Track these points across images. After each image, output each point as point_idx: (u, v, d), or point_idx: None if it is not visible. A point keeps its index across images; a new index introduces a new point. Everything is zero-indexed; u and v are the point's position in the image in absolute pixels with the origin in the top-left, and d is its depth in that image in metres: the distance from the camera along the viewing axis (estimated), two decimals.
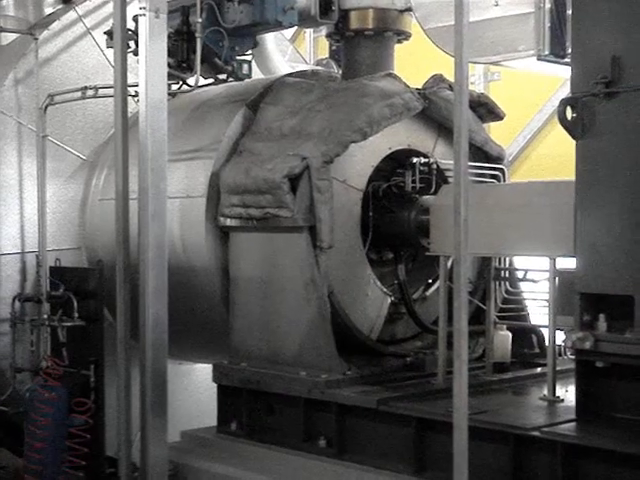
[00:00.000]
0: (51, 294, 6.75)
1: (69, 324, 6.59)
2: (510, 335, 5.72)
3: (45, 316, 6.73)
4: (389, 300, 6.00)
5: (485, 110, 6.35)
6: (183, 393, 7.34)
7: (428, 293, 6.25)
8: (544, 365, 5.45)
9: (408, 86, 6.01)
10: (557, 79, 8.75)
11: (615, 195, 4.44)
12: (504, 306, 5.80)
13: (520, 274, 5.92)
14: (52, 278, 6.83)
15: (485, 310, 5.67)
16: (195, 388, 7.46)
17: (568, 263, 4.88)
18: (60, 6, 7.61)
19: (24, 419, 6.51)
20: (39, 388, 6.48)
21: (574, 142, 4.61)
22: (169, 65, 5.54)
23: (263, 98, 6.23)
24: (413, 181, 5.95)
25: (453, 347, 4.34)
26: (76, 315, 6.58)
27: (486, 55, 5.89)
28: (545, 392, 5.12)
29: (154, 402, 5.21)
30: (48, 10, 7.58)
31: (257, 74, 6.98)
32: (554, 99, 9.86)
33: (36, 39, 7.07)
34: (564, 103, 4.57)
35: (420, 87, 6.14)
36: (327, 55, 8.54)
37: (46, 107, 6.94)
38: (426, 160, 6.02)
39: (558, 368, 5.16)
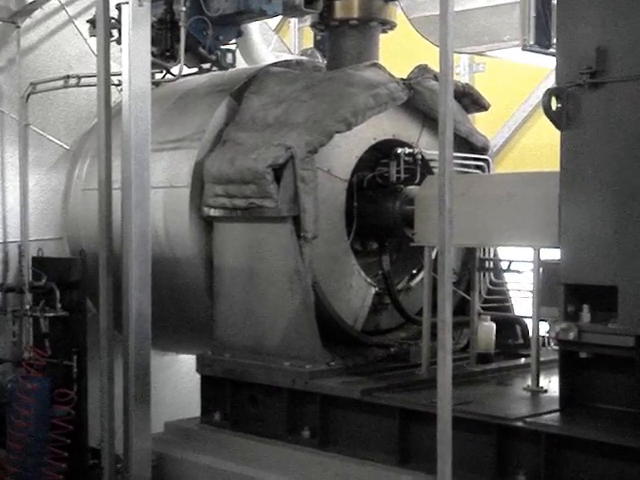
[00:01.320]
0: (33, 284, 6.70)
1: (51, 315, 6.55)
2: (494, 326, 5.72)
3: (27, 306, 6.69)
4: (373, 291, 6.00)
5: (470, 101, 6.35)
6: (167, 384, 7.32)
7: (412, 284, 6.25)
8: (528, 356, 5.46)
9: (393, 76, 5.99)
10: (542, 70, 8.75)
11: (599, 186, 4.44)
12: (488, 297, 5.81)
13: (504, 265, 5.92)
14: (34, 268, 6.79)
15: (469, 301, 5.67)
16: (179, 379, 7.44)
17: (552, 254, 4.88)
18: None
19: (6, 410, 6.47)
20: (21, 379, 6.44)
21: (559, 133, 4.60)
22: (153, 54, 5.51)
23: (247, 88, 6.20)
24: (398, 171, 5.94)
25: (437, 338, 4.34)
26: (59, 305, 6.54)
27: (471, 45, 5.88)
28: (529, 383, 5.13)
29: (137, 393, 5.19)
30: None
31: (241, 63, 6.95)
32: (539, 90, 9.86)
33: (18, 27, 7.01)
34: (549, 93, 4.57)
35: (405, 77, 6.12)
36: (312, 45, 8.51)
37: (28, 96, 6.89)
38: (411, 150, 6.01)
39: (542, 359, 5.16)
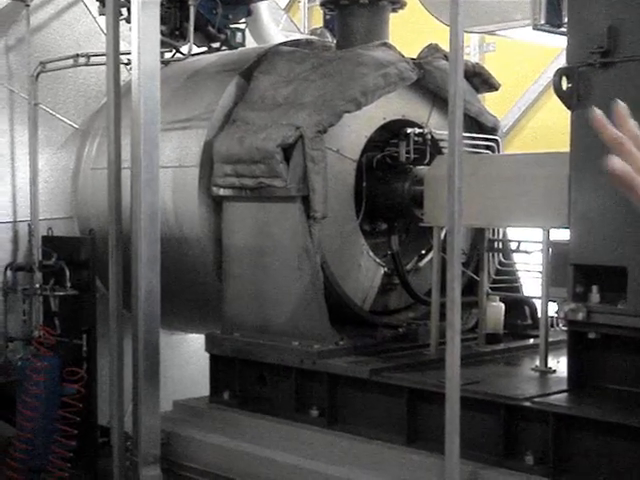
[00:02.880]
0: (43, 263, 6.73)
1: (61, 293, 6.58)
2: (503, 306, 5.72)
3: (37, 285, 6.72)
4: (382, 271, 6.00)
5: (480, 80, 6.32)
6: (175, 363, 7.34)
7: (421, 264, 6.24)
8: (536, 336, 5.46)
9: (403, 56, 5.96)
10: (553, 50, 8.71)
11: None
12: (497, 277, 5.80)
13: (513, 245, 5.91)
14: (44, 247, 6.81)
15: (478, 281, 5.67)
16: (188, 358, 7.47)
17: (561, 234, 4.87)
18: None
19: (16, 388, 6.51)
20: (31, 357, 6.48)
21: (569, 113, 4.58)
22: (162, 33, 5.50)
23: (257, 67, 6.18)
24: (407, 152, 5.92)
25: (446, 318, 4.34)
26: (68, 284, 6.57)
27: (482, 24, 5.85)
28: (537, 363, 5.13)
29: (146, 372, 5.21)
30: None
31: (251, 43, 6.93)
32: (549, 70, 9.82)
33: (27, 6, 7.00)
34: (560, 73, 4.54)
35: (415, 57, 6.10)
36: (321, 24, 8.48)
37: (38, 75, 6.89)
38: (420, 130, 5.99)
39: (550, 339, 5.16)
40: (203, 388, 5.99)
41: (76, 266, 6.60)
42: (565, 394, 4.59)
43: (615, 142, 1.78)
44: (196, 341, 7.18)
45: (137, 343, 5.22)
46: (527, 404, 4.50)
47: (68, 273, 6.56)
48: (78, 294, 6.56)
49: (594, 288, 4.49)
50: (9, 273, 6.85)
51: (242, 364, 5.70)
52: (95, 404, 6.57)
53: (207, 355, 5.94)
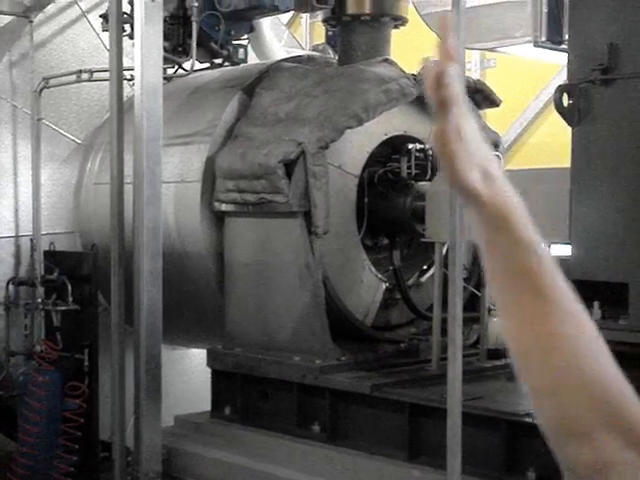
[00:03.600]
0: (45, 278, 6.74)
1: (63, 308, 6.58)
2: None
3: (39, 300, 6.72)
4: (384, 286, 6.00)
5: (481, 97, 6.33)
6: (177, 378, 7.34)
7: (423, 279, 6.25)
8: None
9: (404, 72, 5.99)
10: (554, 66, 8.73)
11: (611, 182, 4.44)
12: None
13: None
14: (46, 262, 6.82)
15: (480, 297, 5.67)
16: (189, 373, 7.46)
17: (563, 250, 4.88)
18: None
19: (18, 403, 6.51)
20: (33, 372, 6.48)
21: (570, 129, 4.60)
22: (165, 49, 5.53)
23: (259, 83, 6.21)
24: (409, 167, 5.94)
25: (447, 333, 4.34)
26: (70, 299, 6.57)
27: (483, 41, 5.87)
28: None
29: (148, 386, 5.21)
30: None
31: (253, 59, 6.96)
32: (550, 86, 9.84)
33: (31, 22, 7.03)
34: (560, 90, 4.56)
35: (416, 73, 6.12)
36: (323, 40, 8.51)
37: (41, 90, 6.91)
38: (422, 146, 6.01)
39: None
40: (205, 403, 5.99)
41: (78, 281, 6.61)
42: None
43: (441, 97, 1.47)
44: (198, 356, 7.18)
45: (139, 358, 5.22)
46: (529, 420, 4.49)
47: (70, 288, 6.57)
48: (80, 309, 6.56)
49: (595, 304, 4.49)
50: (11, 288, 6.86)
51: (244, 379, 5.70)
52: (96, 419, 6.57)
53: (209, 370, 5.94)
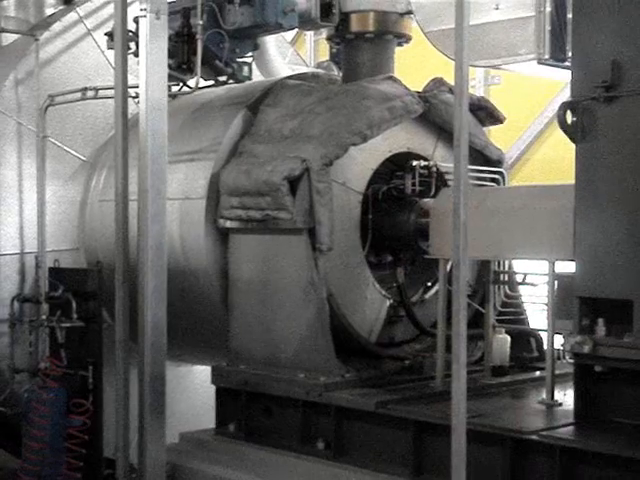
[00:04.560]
0: (50, 295, 6.75)
1: (68, 325, 6.59)
2: (509, 338, 5.71)
3: (44, 317, 6.73)
4: (388, 303, 6.00)
5: (485, 113, 6.36)
6: (181, 395, 7.33)
7: (427, 296, 6.25)
8: (543, 369, 5.45)
9: (408, 89, 6.01)
10: (557, 83, 8.75)
11: (614, 199, 4.44)
12: (503, 309, 5.80)
13: (519, 278, 5.92)
14: (51, 279, 6.83)
15: (484, 313, 5.67)
16: (194, 390, 7.46)
17: (567, 267, 4.88)
18: (61, 7, 7.61)
19: (22, 420, 6.50)
20: (37, 389, 6.48)
21: (574, 146, 4.61)
22: (169, 67, 5.55)
23: (263, 100, 6.23)
24: (413, 184, 5.95)
25: (452, 350, 4.34)
26: (75, 316, 6.58)
27: (486, 58, 5.88)
28: (544, 396, 5.12)
29: (152, 403, 5.21)
30: (49, 11, 7.58)
31: (257, 76, 6.98)
32: (554, 103, 9.87)
33: (37, 40, 7.08)
34: (564, 107, 4.58)
35: (420, 90, 6.14)
36: (327, 58, 8.54)
37: (46, 108, 6.94)
38: (426, 163, 6.03)
39: (557, 372, 5.15)
40: (209, 420, 5.98)
41: (82, 298, 6.61)
42: (572, 427, 4.58)
43: None
44: (202, 373, 7.18)
45: (143, 374, 5.22)
46: (534, 437, 4.49)
47: (74, 304, 6.57)
48: (84, 325, 6.57)
49: (600, 321, 4.49)
50: (16, 304, 6.87)
51: (248, 396, 5.69)
52: (101, 436, 6.56)
53: (213, 387, 5.93)
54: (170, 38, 5.72)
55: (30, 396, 6.47)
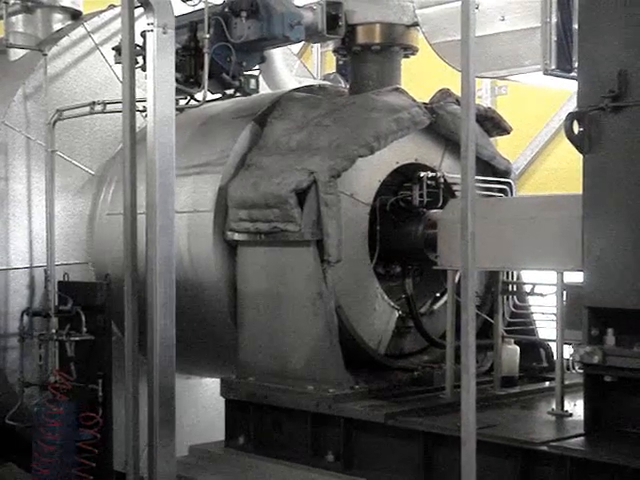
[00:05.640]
0: (59, 308, 6.76)
1: (77, 339, 6.60)
2: (518, 349, 5.71)
3: (53, 330, 6.75)
4: (397, 314, 6.00)
5: (492, 124, 6.36)
6: (191, 407, 7.33)
7: (436, 307, 6.24)
8: (552, 379, 5.44)
9: (415, 100, 6.02)
10: (564, 93, 8.76)
11: (623, 209, 4.44)
12: (512, 320, 5.80)
13: (528, 288, 5.91)
14: (60, 292, 6.84)
15: (493, 324, 5.66)
16: (203, 402, 7.46)
17: (576, 277, 4.87)
18: (69, 22, 7.65)
19: (32, 434, 6.51)
20: (47, 403, 6.49)
21: (581, 156, 4.61)
22: (177, 80, 5.57)
23: (270, 113, 6.25)
24: (420, 195, 5.96)
25: (461, 361, 4.33)
26: (84, 329, 6.59)
27: (493, 69, 5.89)
28: (553, 406, 5.11)
29: (162, 416, 5.21)
30: (57, 26, 7.61)
31: (264, 89, 7.01)
32: (561, 113, 9.87)
33: (45, 55, 7.11)
34: (571, 117, 4.58)
35: (427, 101, 6.15)
36: (334, 70, 8.56)
37: (55, 122, 6.97)
38: (433, 174, 6.03)
39: (566, 382, 5.15)
40: (218, 433, 5.98)
41: (92, 311, 6.63)
42: (582, 438, 4.56)
43: None
44: (211, 385, 7.18)
45: (152, 388, 5.22)
46: (544, 448, 4.47)
47: (84, 318, 6.59)
48: (94, 339, 6.58)
49: (609, 331, 4.48)
50: (25, 318, 6.89)
51: (257, 409, 5.69)
52: (110, 449, 6.56)
53: (222, 399, 5.93)
54: (177, 52, 5.74)
55: (40, 410, 6.48)
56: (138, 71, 5.59)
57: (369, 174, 5.88)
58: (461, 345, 4.31)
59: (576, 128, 4.56)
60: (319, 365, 5.47)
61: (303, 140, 5.89)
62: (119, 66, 6.05)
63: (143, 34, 5.43)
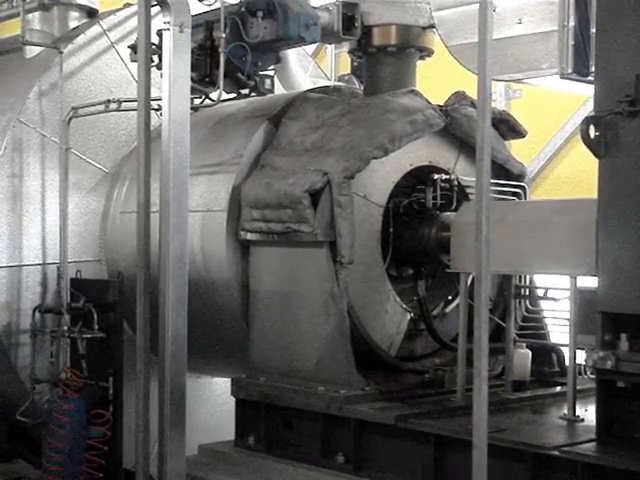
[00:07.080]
0: (71, 306, 6.78)
1: (89, 336, 6.62)
2: (530, 353, 5.69)
3: (65, 327, 6.76)
4: (408, 316, 5.99)
5: (507, 127, 6.35)
6: (201, 407, 7.34)
7: (448, 310, 6.23)
8: (564, 384, 5.42)
9: (430, 103, 6.02)
10: (579, 97, 8.73)
11: (637, 214, 4.41)
12: (524, 324, 5.78)
13: (541, 292, 5.89)
14: (73, 290, 6.86)
15: (505, 328, 5.65)
16: (213, 402, 7.46)
17: (589, 282, 4.85)
18: (85, 20, 7.67)
19: (42, 430, 6.53)
20: (58, 399, 6.50)
21: (596, 160, 4.59)
22: (192, 79, 5.57)
23: (285, 113, 6.25)
24: (434, 197, 5.95)
25: (473, 364, 4.32)
26: (96, 327, 6.61)
27: (509, 72, 5.87)
28: (565, 411, 5.09)
29: (172, 415, 5.22)
30: (73, 24, 7.63)
31: (279, 89, 7.01)
32: (577, 116, 9.84)
33: (61, 52, 7.13)
34: (587, 121, 4.56)
35: (442, 104, 6.14)
36: (349, 71, 8.55)
37: (69, 120, 6.98)
38: (447, 177, 6.02)
39: (578, 387, 5.12)
40: (228, 432, 5.98)
41: (104, 309, 6.64)
42: (594, 443, 4.55)
43: None
44: (222, 385, 7.18)
45: (163, 386, 5.23)
46: (555, 453, 4.46)
47: (96, 316, 6.61)
48: (105, 336, 6.60)
49: (623, 336, 4.46)
50: (37, 315, 6.90)
51: (268, 409, 5.69)
52: (120, 447, 6.57)
53: (233, 399, 5.93)
54: (193, 51, 5.74)
55: (50, 406, 6.50)
56: (153, 70, 5.59)
57: (383, 176, 5.87)
58: (473, 348, 4.30)
59: (592, 132, 4.55)
60: (330, 366, 5.46)
61: (317, 141, 5.89)
62: (134, 64, 6.07)
63: (159, 33, 5.43)
